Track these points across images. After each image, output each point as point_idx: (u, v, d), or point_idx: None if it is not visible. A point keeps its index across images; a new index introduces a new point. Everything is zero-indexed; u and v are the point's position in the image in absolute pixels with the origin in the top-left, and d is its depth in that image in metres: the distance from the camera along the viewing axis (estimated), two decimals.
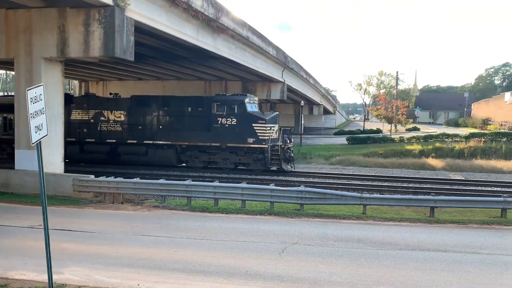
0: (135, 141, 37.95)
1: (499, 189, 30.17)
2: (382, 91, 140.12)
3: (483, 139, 54.38)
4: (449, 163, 44.48)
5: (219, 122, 35.37)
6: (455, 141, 55.37)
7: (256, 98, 38.14)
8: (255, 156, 35.24)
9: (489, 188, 30.50)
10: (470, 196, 25.89)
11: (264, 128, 34.87)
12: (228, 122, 35.21)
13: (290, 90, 62.64)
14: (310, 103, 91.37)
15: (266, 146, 34.76)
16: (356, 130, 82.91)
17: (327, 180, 33.56)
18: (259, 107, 38.26)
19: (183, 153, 37.04)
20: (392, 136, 62.32)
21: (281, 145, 35.56)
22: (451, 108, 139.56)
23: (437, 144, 52.72)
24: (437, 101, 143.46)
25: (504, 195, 23.35)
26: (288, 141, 36.11)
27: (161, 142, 37.18)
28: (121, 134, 38.42)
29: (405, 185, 30.90)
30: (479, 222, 20.05)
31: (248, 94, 37.45)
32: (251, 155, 35.37)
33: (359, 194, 21.42)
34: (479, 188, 30.66)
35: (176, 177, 31.85)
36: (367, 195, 21.49)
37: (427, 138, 58.41)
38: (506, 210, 21.64)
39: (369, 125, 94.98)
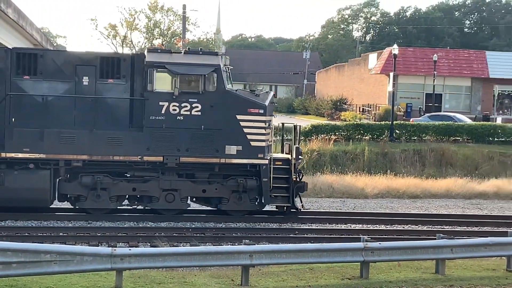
0: None
1: (358, 226, 20.06)
2: (157, 41, 77.43)
3: (333, 137, 35.00)
4: None
5: (163, 112, 18.99)
6: (287, 140, 35.50)
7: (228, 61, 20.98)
8: (240, 184, 19.21)
9: (343, 226, 19.98)
10: (310, 243, 15.64)
11: (262, 125, 19.35)
12: (183, 112, 19.07)
13: None
14: None
15: (266, 161, 19.33)
16: None
17: None
18: None
19: (73, 180, 19.07)
20: None
21: (290, 160, 19.95)
22: (281, 79, 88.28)
23: None
24: (257, 65, 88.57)
25: (365, 236, 14.03)
26: (300, 153, 20.71)
27: (19, 156, 18.51)
28: None
29: (199, 226, 19.04)
30: None
31: (219, 52, 20.86)
32: (228, 181, 19.33)
33: (108, 250, 11.37)
34: (326, 226, 19.89)
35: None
36: (122, 251, 11.51)
37: None
38: (369, 265, 13.02)
39: None
